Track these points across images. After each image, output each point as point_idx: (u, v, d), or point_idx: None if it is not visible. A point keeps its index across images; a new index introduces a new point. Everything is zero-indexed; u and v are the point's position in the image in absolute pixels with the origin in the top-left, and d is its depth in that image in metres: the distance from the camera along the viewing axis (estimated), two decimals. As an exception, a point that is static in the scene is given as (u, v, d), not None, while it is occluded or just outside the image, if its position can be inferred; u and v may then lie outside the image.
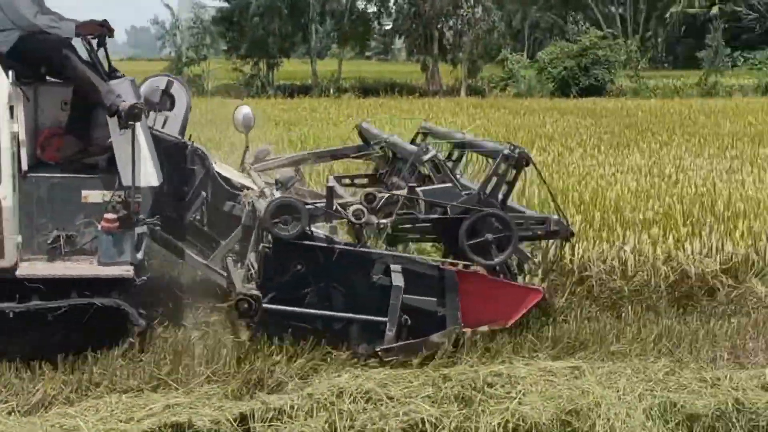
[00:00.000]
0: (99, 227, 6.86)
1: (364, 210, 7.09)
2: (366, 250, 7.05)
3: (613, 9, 62.82)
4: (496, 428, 5.39)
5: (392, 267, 6.92)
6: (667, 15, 60.14)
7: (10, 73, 6.55)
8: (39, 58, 7.16)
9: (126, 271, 6.77)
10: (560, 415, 5.48)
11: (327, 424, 5.48)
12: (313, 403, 5.66)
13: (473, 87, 44.27)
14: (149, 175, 6.98)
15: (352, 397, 5.71)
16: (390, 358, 6.66)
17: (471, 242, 7.17)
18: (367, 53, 67.45)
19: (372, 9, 49.55)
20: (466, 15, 44.40)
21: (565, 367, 6.20)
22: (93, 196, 6.98)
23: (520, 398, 5.69)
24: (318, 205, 7.09)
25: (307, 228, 6.83)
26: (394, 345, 6.77)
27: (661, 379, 6.03)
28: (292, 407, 5.63)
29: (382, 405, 5.68)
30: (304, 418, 5.56)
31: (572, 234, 7.80)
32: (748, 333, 7.36)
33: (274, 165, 9.19)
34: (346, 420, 5.50)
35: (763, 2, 55.17)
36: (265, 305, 6.67)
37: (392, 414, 5.55)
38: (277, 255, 6.88)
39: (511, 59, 45.87)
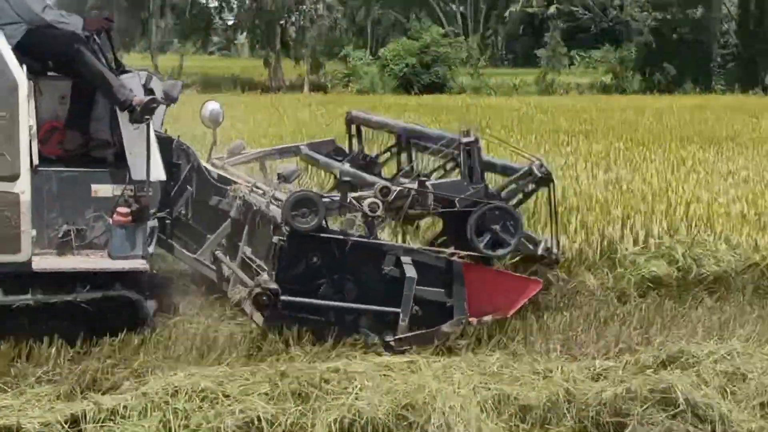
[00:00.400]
0: (110, 221, 6.99)
1: (379, 203, 7.20)
2: (378, 242, 7.23)
3: (454, 7, 63.74)
4: (333, 424, 5.36)
5: (403, 259, 7.08)
6: (507, 14, 61.32)
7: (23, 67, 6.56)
8: (49, 52, 7.13)
9: (141, 264, 6.92)
10: (396, 410, 5.49)
11: (161, 424, 5.35)
12: (147, 403, 5.52)
13: (316, 83, 44.29)
14: (158, 169, 7.11)
15: (187, 396, 5.58)
16: (403, 348, 6.86)
17: (478, 234, 7.38)
18: (210, 48, 66.76)
19: (213, 4, 49.11)
20: (309, 11, 44.40)
21: (402, 362, 6.23)
22: (103, 190, 7.08)
23: (356, 393, 5.67)
24: (334, 198, 7.27)
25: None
26: (409, 335, 6.97)
27: (496, 372, 6.12)
28: (125, 407, 5.47)
29: (217, 403, 5.58)
30: (137, 417, 5.41)
31: (557, 261, 8.12)
32: (579, 326, 7.56)
33: (246, 159, 9.33)
34: (181, 419, 5.38)
35: (598, 2, 56.77)
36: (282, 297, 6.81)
37: (228, 412, 5.46)
38: (293, 247, 6.99)
39: (353, 56, 46.07)
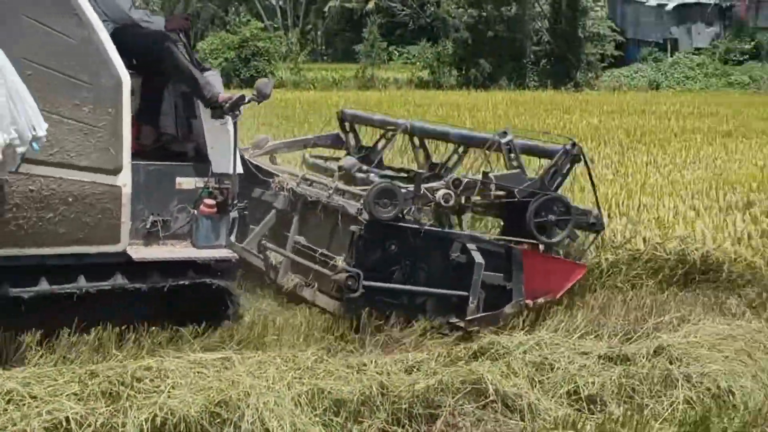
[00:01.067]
0: (196, 212, 7.36)
1: (452, 194, 7.80)
2: (447, 230, 7.91)
3: (273, 1, 63.47)
4: (144, 423, 5.26)
5: (469, 246, 7.62)
6: (326, 9, 61.46)
7: None
8: (138, 50, 7.24)
9: (230, 253, 7.35)
10: (210, 407, 5.42)
11: (-38, 429, 5.16)
12: (-53, 407, 5.31)
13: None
14: (238, 163, 7.51)
15: (-10, 399, 5.40)
16: (473, 328, 7.43)
17: (536, 222, 7.95)
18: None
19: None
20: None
21: (215, 359, 6.14)
22: (186, 183, 7.41)
23: (169, 391, 5.58)
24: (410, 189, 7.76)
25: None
26: (478, 316, 7.53)
27: (310, 367, 6.11)
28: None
29: (24, 405, 5.40)
30: (-62, 422, 5.20)
31: (603, 227, 8.65)
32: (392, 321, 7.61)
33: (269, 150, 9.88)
34: (-16, 423, 5.20)
35: (416, -1, 57.58)
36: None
37: (35, 414, 5.27)
38: (371, 235, 7.56)
39: (171, 48, 45.27)
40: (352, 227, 7.65)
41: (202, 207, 7.39)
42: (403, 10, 58.70)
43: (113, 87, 6.69)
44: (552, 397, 6.04)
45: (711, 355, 6.72)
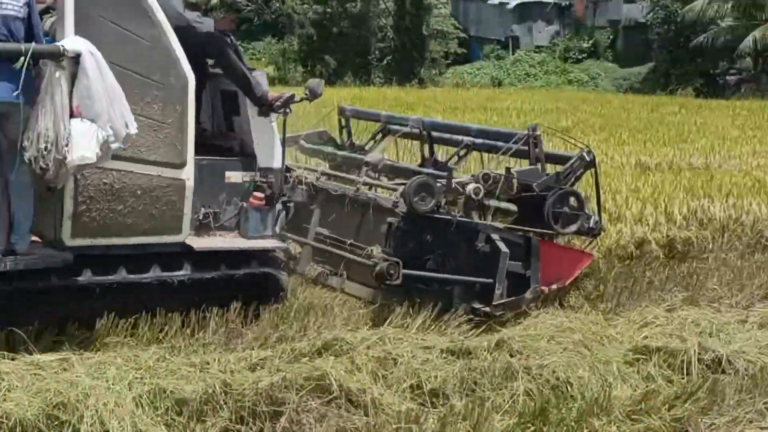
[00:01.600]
0: (245, 204, 7.83)
1: (481, 188, 8.25)
2: (474, 222, 8.23)
3: None
4: (-23, 428, 5.10)
5: (493, 236, 8.02)
6: (170, 2, 60.52)
7: None
8: (194, 50, 7.33)
9: (279, 243, 7.95)
10: (47, 410, 5.27)
11: None
12: None
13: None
14: (280, 157, 8.03)
15: None
16: (499, 313, 7.86)
17: (553, 213, 8.46)
18: None
19: None
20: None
21: (54, 360, 5.98)
22: (234, 176, 7.88)
23: (4, 394, 5.41)
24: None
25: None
26: (503, 302, 7.93)
27: (152, 366, 6.01)
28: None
29: None
30: None
31: (601, 232, 9.09)
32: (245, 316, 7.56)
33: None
34: None
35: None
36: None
37: None
38: (408, 226, 8.10)
39: None
40: (390, 219, 8.26)
41: (251, 199, 7.88)
42: (248, 6, 58.19)
43: (181, 86, 7.09)
44: (395, 392, 6.08)
45: (550, 347, 6.88)
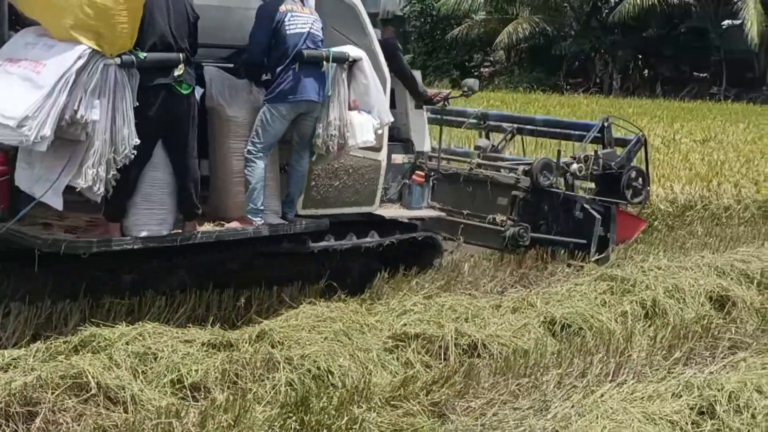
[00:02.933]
0: (407, 181, 9.43)
1: (582, 167, 10.61)
2: (574, 194, 10.73)
3: None
4: None
5: (587, 206, 10.34)
6: None
7: None
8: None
9: (439, 213, 9.66)
10: None
11: None
12: None
13: None
14: (428, 142, 9.84)
15: None
16: (598, 266, 9.81)
17: (628, 186, 10.82)
18: None
19: None
20: None
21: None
22: (398, 159, 9.41)
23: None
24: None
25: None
26: (595, 258, 10.14)
27: None
28: None
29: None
30: None
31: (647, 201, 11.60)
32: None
33: None
34: None
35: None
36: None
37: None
38: (531, 198, 10.42)
39: None
40: (514, 192, 10.46)
41: (414, 177, 9.43)
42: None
43: (383, 84, 8.48)
44: (156, 387, 5.98)
45: (311, 337, 6.92)
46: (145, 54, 6.84)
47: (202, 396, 6.03)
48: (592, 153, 10.77)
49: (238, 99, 7.92)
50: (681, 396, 6.21)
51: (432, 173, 9.75)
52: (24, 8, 6.89)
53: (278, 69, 7.77)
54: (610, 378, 6.70)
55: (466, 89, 10.28)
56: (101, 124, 6.58)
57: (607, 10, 42.71)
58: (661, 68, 42.27)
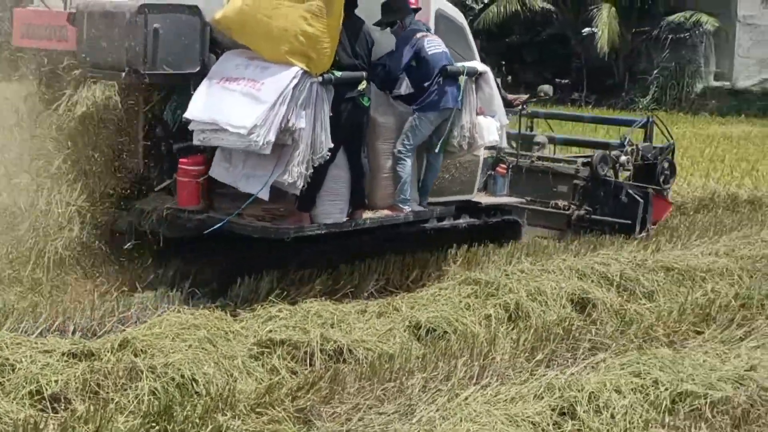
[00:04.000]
0: (493, 172, 11.11)
1: (629, 159, 12.65)
2: (621, 182, 12.62)
3: None
4: None
5: (630, 191, 12.24)
6: None
7: None
8: None
9: (519, 198, 11.36)
10: None
11: None
12: None
13: None
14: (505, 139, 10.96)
15: None
16: (640, 239, 11.82)
17: (662, 174, 12.92)
18: None
19: None
20: None
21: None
22: (484, 153, 10.67)
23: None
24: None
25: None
26: (640, 236, 12.01)
27: None
28: None
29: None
30: None
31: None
32: None
33: None
34: None
35: None
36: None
37: None
38: (591, 186, 12.38)
39: None
40: (576, 181, 12.43)
41: (498, 169, 11.17)
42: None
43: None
44: (14, 399, 5.83)
45: (175, 345, 6.82)
46: (339, 73, 8.58)
47: (63, 407, 5.90)
48: (636, 146, 12.85)
49: (386, 108, 9.52)
50: (543, 397, 6.33)
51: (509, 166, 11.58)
52: (236, 35, 8.46)
53: (425, 83, 9.40)
54: (474, 381, 6.77)
55: (542, 94, 12.95)
56: (305, 131, 8.22)
57: (471, 17, 43.33)
58: (525, 74, 43.06)
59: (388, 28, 9.62)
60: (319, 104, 8.35)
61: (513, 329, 8.18)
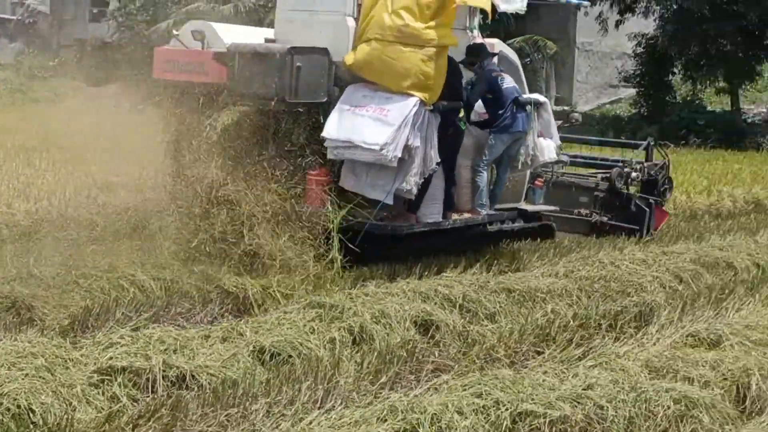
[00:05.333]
0: (531, 185, 13.55)
1: (639, 174, 15.37)
2: (628, 193, 15.32)
3: None
4: None
5: (637, 202, 14.98)
6: None
7: None
8: None
9: (556, 208, 13.93)
10: None
11: None
12: None
13: None
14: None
15: None
16: (647, 238, 14.56)
17: (663, 188, 15.56)
18: None
19: None
20: None
21: None
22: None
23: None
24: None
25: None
26: (646, 239, 14.45)
27: None
28: None
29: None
30: None
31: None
32: None
33: None
34: None
35: None
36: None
37: None
38: (606, 197, 15.12)
39: None
40: (596, 192, 15.03)
41: (536, 182, 13.46)
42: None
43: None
44: None
45: (11, 374, 6.59)
46: (445, 102, 11.20)
47: None
48: (643, 164, 15.47)
49: (466, 131, 11.95)
50: (386, 420, 6.34)
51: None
52: (364, 73, 10.98)
53: (500, 111, 11.98)
54: (318, 405, 6.76)
55: (574, 121, 15.50)
56: (420, 148, 10.83)
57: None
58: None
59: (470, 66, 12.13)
60: (430, 127, 10.98)
61: (357, 352, 8.20)
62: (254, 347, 7.92)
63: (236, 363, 7.58)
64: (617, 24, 41.45)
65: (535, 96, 12.54)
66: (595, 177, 15.53)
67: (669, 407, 6.86)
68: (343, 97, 10.94)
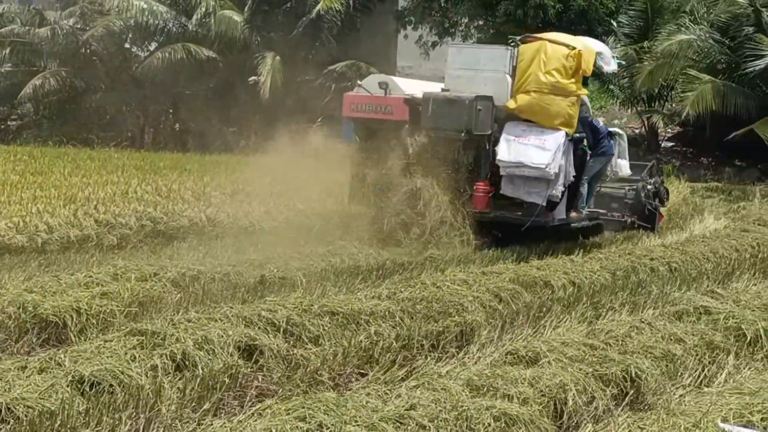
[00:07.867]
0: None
1: (653, 186, 19.52)
2: (647, 200, 19.27)
3: None
4: None
5: (650, 207, 19.07)
6: None
7: None
8: None
9: (604, 211, 18.35)
10: None
11: None
12: None
13: None
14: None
15: None
16: (654, 232, 19.19)
17: (664, 195, 20.16)
18: None
19: None
20: None
21: None
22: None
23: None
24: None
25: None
26: (656, 231, 19.00)
27: None
28: None
29: None
30: None
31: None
32: None
33: None
34: None
35: None
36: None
37: None
38: (632, 203, 19.07)
39: None
40: (626, 199, 18.89)
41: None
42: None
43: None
44: None
45: None
46: (577, 134, 15.92)
47: None
48: (657, 179, 19.91)
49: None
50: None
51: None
52: (525, 115, 15.75)
53: (599, 139, 16.80)
54: (140, 434, 6.65)
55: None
56: (563, 166, 15.54)
57: (136, 65, 42.76)
58: (192, 123, 42.98)
59: None
60: (567, 152, 15.71)
61: (180, 379, 8.07)
62: (73, 377, 7.70)
63: (54, 394, 7.36)
64: (433, 45, 42.39)
65: (617, 129, 18.78)
66: (623, 188, 19.34)
67: (489, 424, 7.02)
68: (505, 130, 15.69)
